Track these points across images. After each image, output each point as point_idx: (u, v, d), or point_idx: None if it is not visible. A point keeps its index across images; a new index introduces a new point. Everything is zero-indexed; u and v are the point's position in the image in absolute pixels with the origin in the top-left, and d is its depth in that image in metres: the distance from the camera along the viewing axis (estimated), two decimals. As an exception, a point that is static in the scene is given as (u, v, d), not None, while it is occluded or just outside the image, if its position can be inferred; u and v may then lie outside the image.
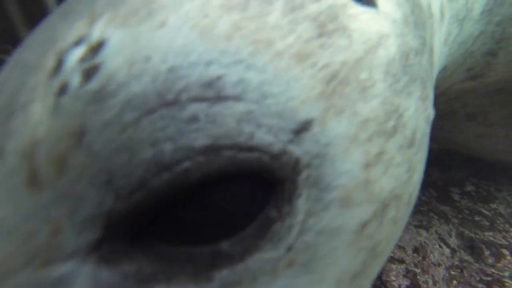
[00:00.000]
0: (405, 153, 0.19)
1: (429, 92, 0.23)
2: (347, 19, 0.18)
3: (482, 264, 0.46)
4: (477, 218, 0.55)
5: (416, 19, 0.23)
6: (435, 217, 0.54)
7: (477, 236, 0.50)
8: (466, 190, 0.63)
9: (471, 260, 0.47)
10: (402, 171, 0.19)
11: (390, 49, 0.19)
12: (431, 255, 0.47)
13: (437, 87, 0.41)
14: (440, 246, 0.48)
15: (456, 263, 0.46)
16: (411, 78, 0.20)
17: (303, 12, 0.17)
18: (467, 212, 0.57)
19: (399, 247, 0.49)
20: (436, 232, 0.51)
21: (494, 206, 0.58)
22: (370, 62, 0.18)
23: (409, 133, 0.20)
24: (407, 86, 0.20)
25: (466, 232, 0.51)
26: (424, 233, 0.50)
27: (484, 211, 0.57)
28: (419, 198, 0.62)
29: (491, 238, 0.50)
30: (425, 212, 0.55)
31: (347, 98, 0.17)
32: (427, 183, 0.65)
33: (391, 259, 0.46)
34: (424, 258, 0.46)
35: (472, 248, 0.49)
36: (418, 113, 0.21)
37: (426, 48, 0.24)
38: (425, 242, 0.49)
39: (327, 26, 0.17)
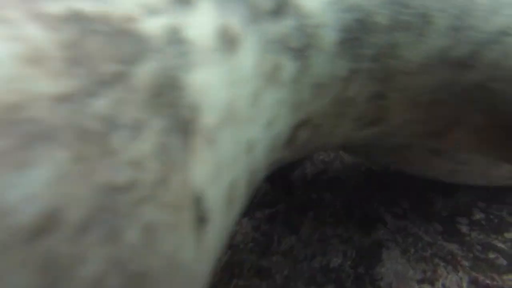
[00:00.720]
0: None
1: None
2: None
3: (505, 324, 0.37)
4: (491, 256, 0.47)
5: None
6: (441, 263, 0.46)
7: (495, 283, 0.42)
8: (475, 218, 0.55)
9: (491, 317, 0.38)
10: None
11: None
12: (442, 318, 0.39)
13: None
14: (451, 305, 0.40)
15: (473, 325, 0.38)
16: None
17: None
18: (479, 248, 0.49)
19: (403, 310, 0.41)
20: (444, 285, 0.43)
21: (509, 235, 0.50)
22: None
23: None
24: None
25: (481, 277, 0.43)
26: (429, 289, 0.42)
27: (499, 244, 0.49)
28: (421, 239, 0.54)
29: None
30: (429, 259, 0.48)
31: None
32: (430, 215, 0.57)
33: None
34: (433, 325, 0.38)
35: (491, 299, 0.40)
36: None
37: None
38: (431, 301, 0.41)
39: None
